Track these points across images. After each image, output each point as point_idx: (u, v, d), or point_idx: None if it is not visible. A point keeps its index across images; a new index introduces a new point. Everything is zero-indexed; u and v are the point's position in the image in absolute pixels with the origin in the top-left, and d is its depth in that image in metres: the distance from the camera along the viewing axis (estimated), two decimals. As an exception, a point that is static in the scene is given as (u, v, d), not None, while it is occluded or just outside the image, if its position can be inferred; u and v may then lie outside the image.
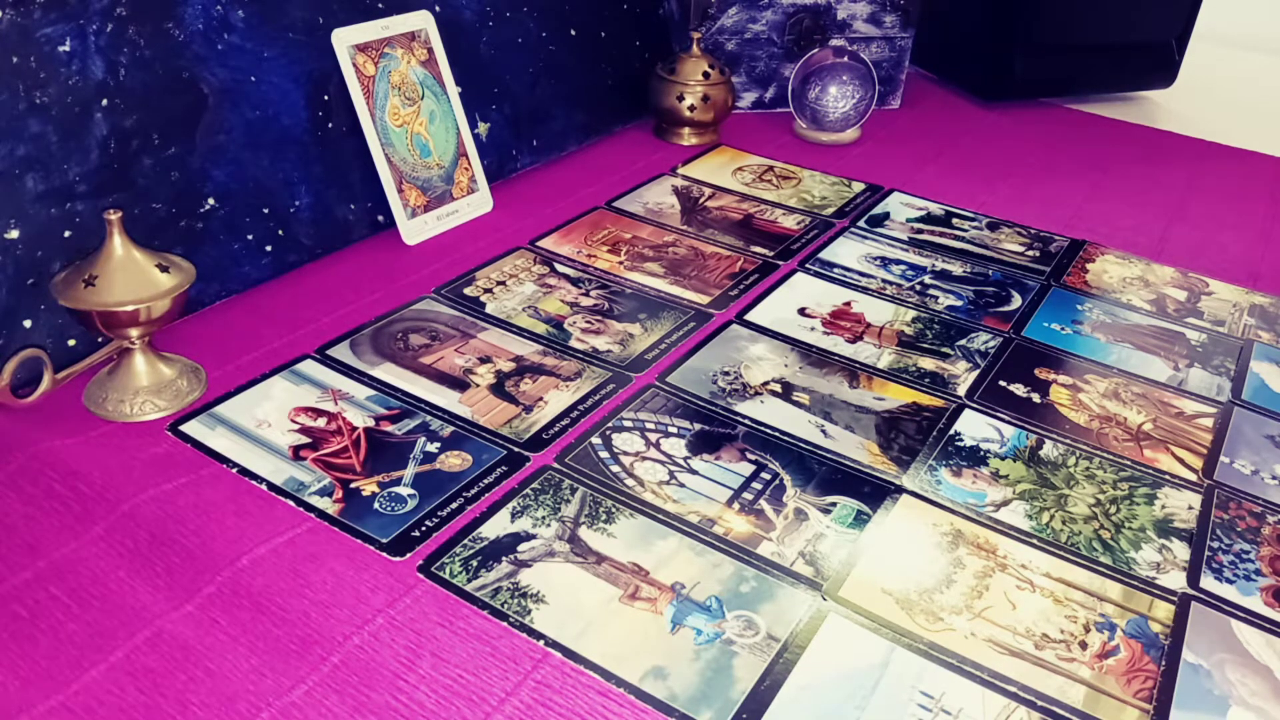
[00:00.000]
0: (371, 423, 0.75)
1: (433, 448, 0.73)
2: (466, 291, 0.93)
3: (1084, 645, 0.61)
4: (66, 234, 0.77)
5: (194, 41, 0.84)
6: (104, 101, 0.78)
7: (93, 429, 0.73)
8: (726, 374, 0.84)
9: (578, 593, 0.62)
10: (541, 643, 0.59)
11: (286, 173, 0.93)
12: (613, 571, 0.64)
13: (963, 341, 0.90)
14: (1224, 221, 1.18)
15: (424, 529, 0.66)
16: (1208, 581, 0.66)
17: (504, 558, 0.64)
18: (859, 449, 0.76)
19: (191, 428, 0.74)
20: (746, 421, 0.78)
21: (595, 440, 0.75)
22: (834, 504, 0.70)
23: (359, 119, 0.96)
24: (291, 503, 0.68)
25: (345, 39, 0.95)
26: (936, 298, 0.97)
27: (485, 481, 0.70)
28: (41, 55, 0.73)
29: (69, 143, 0.76)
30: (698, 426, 0.77)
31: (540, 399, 0.79)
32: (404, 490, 0.69)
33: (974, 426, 0.79)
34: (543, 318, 0.90)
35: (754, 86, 1.42)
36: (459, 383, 0.81)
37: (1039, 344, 0.91)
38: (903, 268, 1.03)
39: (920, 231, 1.10)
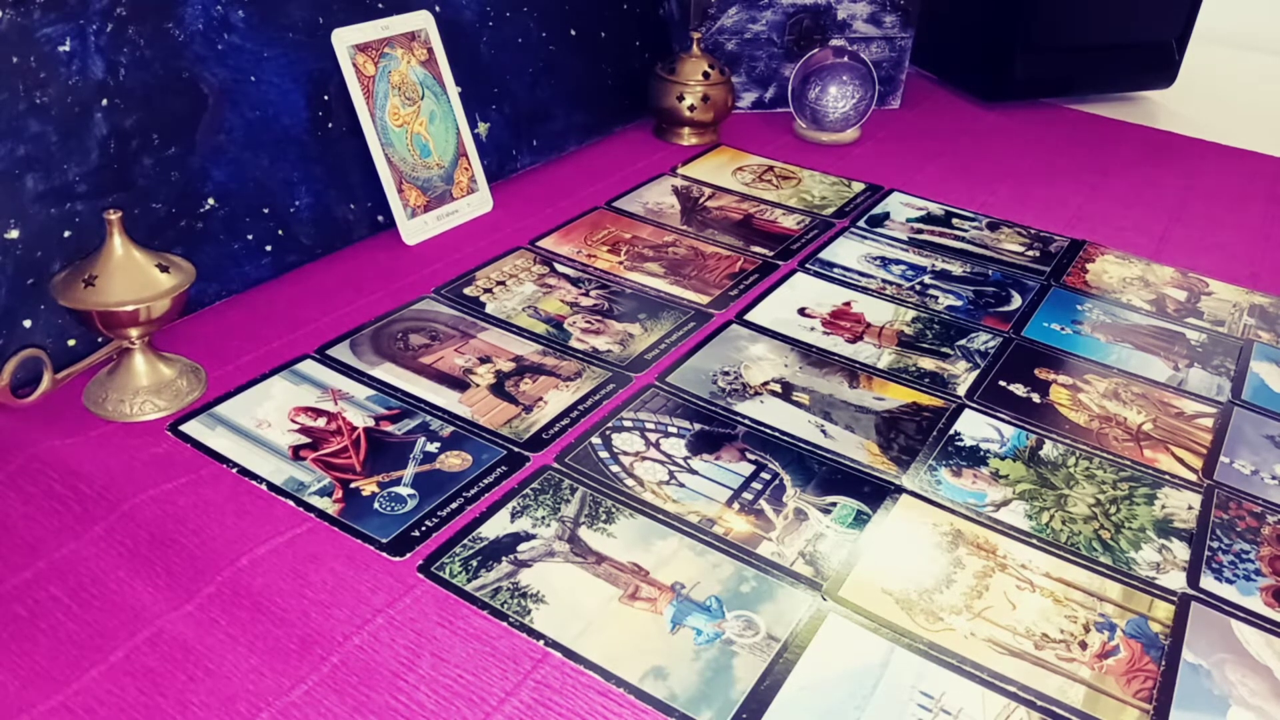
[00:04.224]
0: (371, 423, 0.75)
1: (433, 448, 0.73)
2: (466, 291, 0.93)
3: (1084, 645, 0.61)
4: (66, 234, 0.77)
5: (194, 41, 0.84)
6: (104, 101, 0.78)
7: (93, 429, 0.73)
8: (726, 374, 0.84)
9: (578, 593, 0.62)
10: (541, 643, 0.59)
11: (286, 173, 0.93)
12: (613, 571, 0.64)
13: (963, 341, 0.90)
14: (1224, 221, 1.18)
15: (424, 529, 0.66)
16: (1208, 581, 0.66)
17: (504, 558, 0.64)
18: (859, 449, 0.76)
19: (191, 428, 0.74)
20: (746, 421, 0.78)
21: (595, 440, 0.75)
22: (834, 504, 0.70)
23: (359, 119, 0.96)
24: (291, 503, 0.68)
25: (345, 39, 0.95)
26: (936, 298, 0.97)
27: (485, 481, 0.70)
28: (41, 55, 0.73)
29: (69, 143, 0.76)
30: (698, 426, 0.77)
31: (540, 399, 0.79)
32: (404, 490, 0.69)
33: (974, 426, 0.79)
34: (543, 318, 0.90)
35: (754, 86, 1.42)
36: (459, 383, 0.81)
37: (1039, 344, 0.91)
38: (903, 268, 1.03)
39: (920, 231, 1.10)
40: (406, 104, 1.00)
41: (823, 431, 0.78)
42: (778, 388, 0.82)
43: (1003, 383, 0.85)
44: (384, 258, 0.98)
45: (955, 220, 1.13)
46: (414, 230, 1.01)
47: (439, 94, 1.04)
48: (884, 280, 1.00)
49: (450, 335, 0.87)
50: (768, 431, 0.77)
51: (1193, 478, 0.75)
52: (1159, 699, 0.58)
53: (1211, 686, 0.59)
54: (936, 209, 1.16)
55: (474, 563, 0.64)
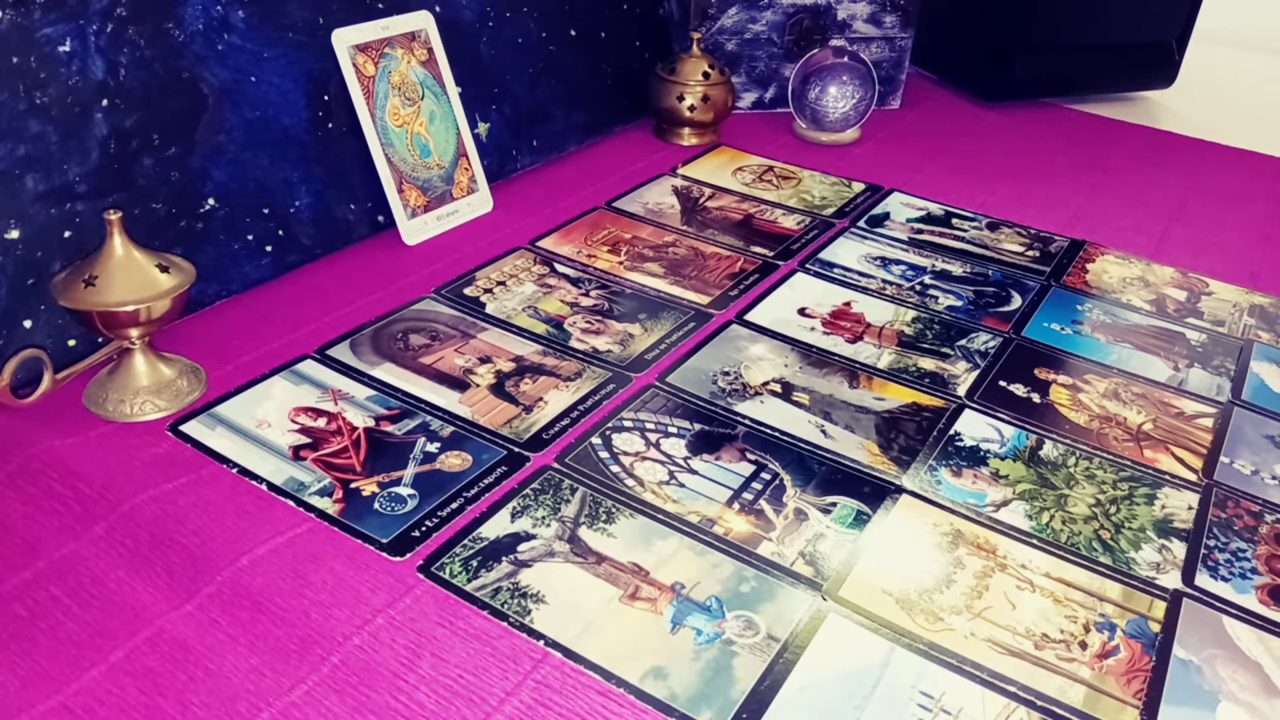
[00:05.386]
0: (371, 423, 0.75)
1: (433, 448, 0.73)
2: (466, 291, 0.93)
3: (1084, 645, 0.61)
4: (66, 234, 0.77)
5: (194, 41, 0.84)
6: (104, 101, 0.78)
7: (93, 429, 0.73)
8: (726, 374, 0.84)
9: (578, 593, 0.62)
10: (541, 643, 0.59)
11: (286, 173, 0.93)
12: (613, 571, 0.64)
13: (963, 341, 0.90)
14: (1224, 221, 1.18)
15: (424, 529, 0.66)
16: (1203, 579, 0.66)
17: (504, 558, 0.64)
18: (859, 449, 0.76)
19: (191, 428, 0.74)
20: (746, 421, 0.78)
21: (595, 440, 0.75)
22: (834, 504, 0.70)
23: (359, 119, 0.96)
24: (291, 503, 0.68)
25: (345, 39, 0.95)
26: (936, 298, 0.97)
27: (485, 481, 0.70)
28: (41, 55, 0.73)
29: (69, 143, 0.76)
30: (698, 426, 0.77)
31: (540, 399, 0.79)
32: (404, 490, 0.69)
33: (974, 426, 0.79)
34: (543, 318, 0.90)
35: (754, 86, 1.42)
36: (459, 383, 0.81)
37: (1039, 344, 0.91)
38: (903, 268, 1.03)
39: (920, 231, 1.10)
40: (406, 104, 1.00)
41: (823, 431, 0.78)
42: (778, 388, 0.82)
43: (1003, 383, 0.85)
44: (384, 258, 0.98)
45: (955, 220, 1.13)
46: (414, 230, 1.01)
47: (439, 94, 1.04)
48: (884, 280, 1.00)
49: (450, 335, 0.87)
50: (768, 431, 0.77)
51: (1193, 478, 0.75)
52: (1149, 694, 0.58)
53: (1202, 682, 0.59)
54: (936, 209, 1.16)
55: (474, 563, 0.64)
